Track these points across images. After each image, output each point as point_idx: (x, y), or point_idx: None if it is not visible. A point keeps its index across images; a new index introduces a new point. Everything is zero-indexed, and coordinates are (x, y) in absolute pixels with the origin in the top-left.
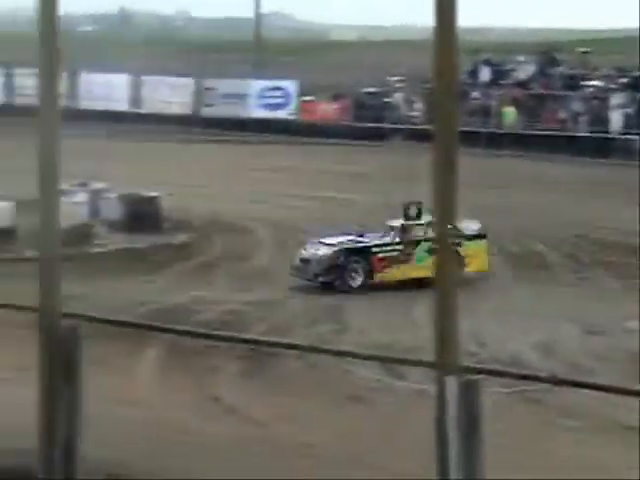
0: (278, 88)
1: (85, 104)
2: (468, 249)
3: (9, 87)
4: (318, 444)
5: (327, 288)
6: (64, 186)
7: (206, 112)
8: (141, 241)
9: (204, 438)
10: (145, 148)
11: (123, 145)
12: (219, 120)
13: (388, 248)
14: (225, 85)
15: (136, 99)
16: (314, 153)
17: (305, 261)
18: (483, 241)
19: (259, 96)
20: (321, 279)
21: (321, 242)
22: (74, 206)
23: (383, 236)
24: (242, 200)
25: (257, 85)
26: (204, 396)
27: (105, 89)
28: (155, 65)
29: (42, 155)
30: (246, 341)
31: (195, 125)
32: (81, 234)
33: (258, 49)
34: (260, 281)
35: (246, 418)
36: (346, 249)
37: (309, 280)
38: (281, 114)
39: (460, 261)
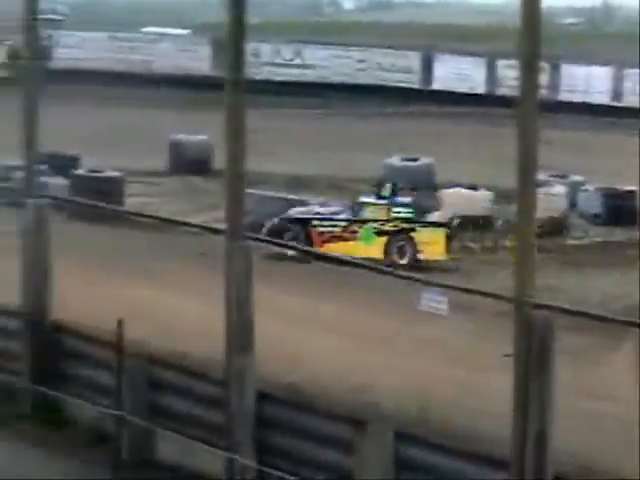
0: None
1: (565, 96)
2: (422, 235)
3: (492, 77)
4: None
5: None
6: (542, 177)
7: None
8: (618, 235)
9: None
10: (624, 142)
11: (603, 138)
12: None
13: (328, 223)
14: None
15: (617, 92)
16: None
17: (261, 226)
18: (440, 229)
19: None
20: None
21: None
22: (552, 198)
23: (337, 212)
24: None
25: None
26: None
27: (586, 81)
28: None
29: (521, 145)
30: None
31: None
32: (558, 226)
33: None
34: None
35: None
36: (288, 218)
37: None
38: None
39: (412, 246)
